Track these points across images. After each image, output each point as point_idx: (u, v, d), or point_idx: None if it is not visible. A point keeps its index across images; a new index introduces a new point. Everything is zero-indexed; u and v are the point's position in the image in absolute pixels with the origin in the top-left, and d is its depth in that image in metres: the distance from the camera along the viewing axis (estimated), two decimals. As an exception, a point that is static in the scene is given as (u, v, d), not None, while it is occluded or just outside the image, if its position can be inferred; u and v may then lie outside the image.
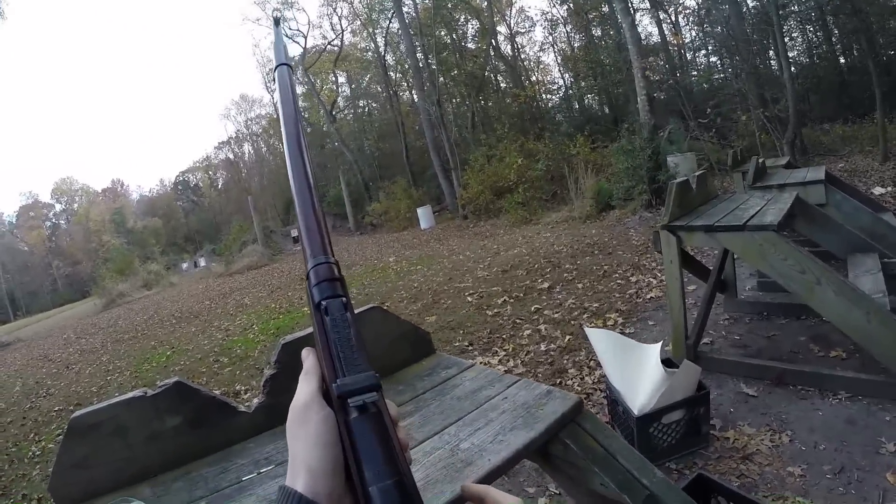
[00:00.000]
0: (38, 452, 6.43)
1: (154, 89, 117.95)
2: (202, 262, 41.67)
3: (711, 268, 4.67)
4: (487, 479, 1.11)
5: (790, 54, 18.93)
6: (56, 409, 8.36)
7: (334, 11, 34.48)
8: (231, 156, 61.81)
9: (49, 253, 72.05)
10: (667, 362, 3.18)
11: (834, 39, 21.71)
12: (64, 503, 1.25)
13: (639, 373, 3.04)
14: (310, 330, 1.57)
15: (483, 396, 1.46)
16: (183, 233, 64.02)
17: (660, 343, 3.12)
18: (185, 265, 45.11)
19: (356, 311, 1.65)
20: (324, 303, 0.55)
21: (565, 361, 4.70)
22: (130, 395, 1.35)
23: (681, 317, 3.83)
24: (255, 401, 1.53)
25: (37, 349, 19.37)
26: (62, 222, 75.93)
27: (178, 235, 63.27)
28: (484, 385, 1.53)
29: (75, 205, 75.45)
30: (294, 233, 35.84)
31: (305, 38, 35.60)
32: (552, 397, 1.37)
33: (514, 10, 31.48)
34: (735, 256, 4.72)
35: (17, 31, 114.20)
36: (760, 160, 6.19)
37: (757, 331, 4.52)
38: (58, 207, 76.52)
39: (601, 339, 3.30)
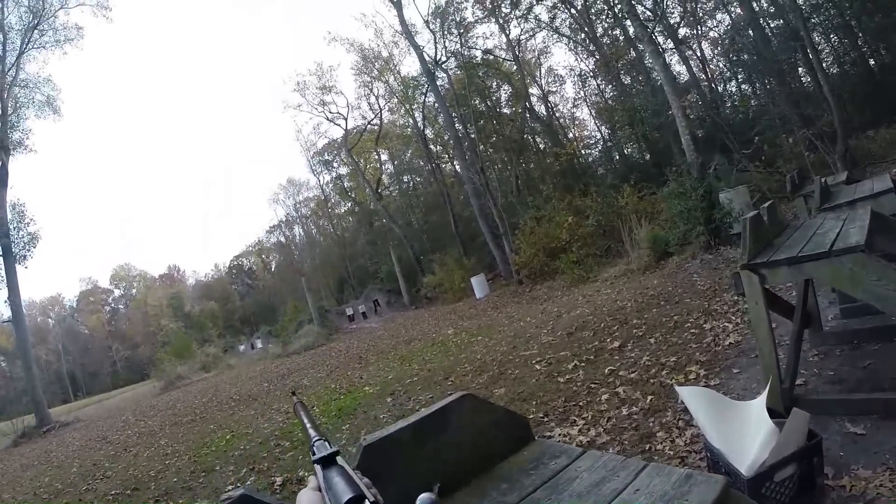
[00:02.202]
0: None
1: (206, 175, 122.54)
2: (259, 344, 42.07)
3: (794, 303, 4.42)
4: None
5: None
6: (112, 492, 8.26)
7: (371, 92, 35.40)
8: (282, 239, 62.99)
9: (109, 336, 74.72)
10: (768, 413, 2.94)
11: (860, 42, 21.48)
12: None
13: (742, 428, 2.81)
14: (388, 431, 1.49)
15: (609, 491, 1.25)
16: (239, 315, 65.10)
17: (764, 395, 2.90)
18: (241, 347, 45.47)
19: (443, 402, 1.59)
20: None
21: (651, 424, 4.42)
22: None
23: (773, 361, 3.56)
24: None
25: (95, 430, 19.56)
26: (121, 307, 78.81)
27: (234, 318, 64.33)
28: (606, 476, 1.32)
29: (133, 290, 78.61)
30: (349, 311, 36.06)
31: (346, 119, 36.49)
32: (694, 482, 1.17)
33: (543, 70, 31.96)
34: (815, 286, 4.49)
35: (78, 122, 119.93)
36: (823, 180, 5.96)
37: (851, 362, 4.25)
38: (116, 293, 79.79)
39: (694, 397, 3.09)
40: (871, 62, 21.31)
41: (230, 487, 6.42)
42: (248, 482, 6.69)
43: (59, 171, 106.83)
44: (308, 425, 1.07)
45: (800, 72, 20.39)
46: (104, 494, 8.29)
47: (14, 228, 27.44)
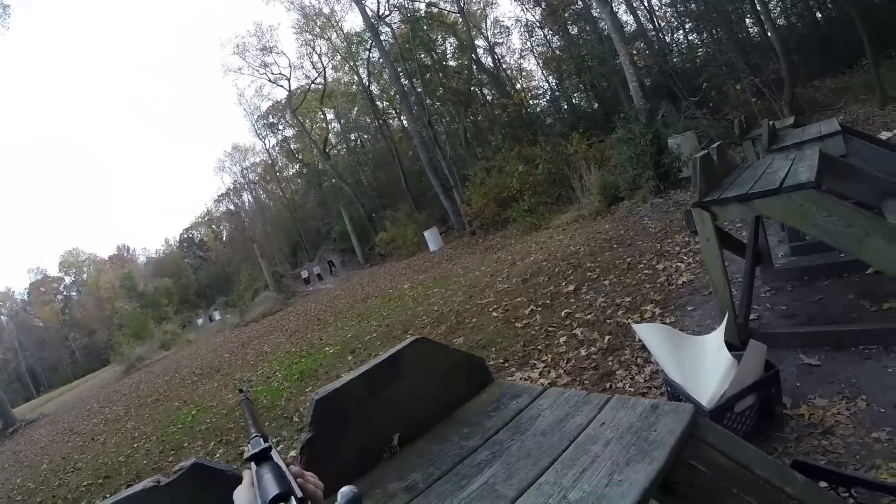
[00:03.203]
0: None
1: (146, 151, 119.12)
2: (217, 316, 41.89)
3: (745, 242, 4.49)
4: None
5: (769, 17, 18.88)
6: (85, 483, 8.25)
7: (314, 50, 34.71)
8: (231, 207, 62.14)
9: (64, 326, 73.24)
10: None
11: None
12: None
13: (700, 362, 2.85)
14: (341, 381, 1.45)
15: (573, 427, 1.22)
16: (194, 289, 64.30)
17: (721, 328, 2.94)
18: (200, 321, 45.35)
19: (395, 349, 1.54)
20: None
21: (610, 363, 4.49)
22: (141, 485, 1.14)
23: (727, 296, 3.64)
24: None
25: (62, 423, 19.52)
26: (73, 294, 77.23)
27: (190, 292, 63.53)
28: (569, 412, 1.29)
29: (84, 275, 76.86)
30: (304, 273, 35.90)
31: (289, 80, 35.79)
32: (661, 412, 1.14)
33: (489, 22, 31.70)
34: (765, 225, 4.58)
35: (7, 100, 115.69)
36: (771, 122, 6.03)
37: (802, 297, 4.35)
38: (67, 280, 77.88)
39: (652, 334, 3.12)
40: (819, 15, 21.68)
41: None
42: (217, 455, 6.71)
43: None
44: (250, 422, 1.05)
45: (747, 22, 20.58)
46: (76, 487, 8.27)
47: None
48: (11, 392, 40.72)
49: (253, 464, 0.78)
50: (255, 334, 20.61)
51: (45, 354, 71.70)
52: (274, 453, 0.79)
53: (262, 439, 0.86)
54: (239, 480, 1.19)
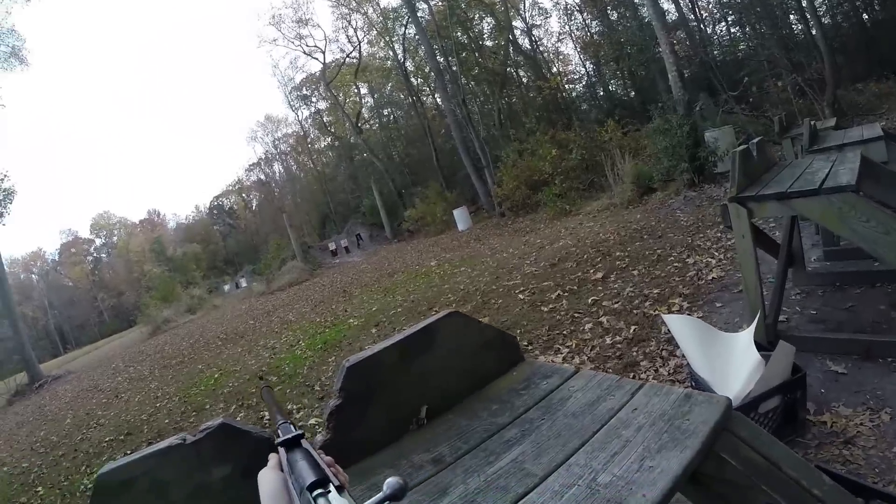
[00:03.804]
0: (89, 485, 6.37)
1: (181, 117, 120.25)
2: (243, 283, 42.14)
3: (779, 242, 4.46)
4: None
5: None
6: (107, 439, 8.41)
7: (349, 24, 34.63)
8: (262, 176, 62.40)
9: (93, 286, 74.37)
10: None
11: (856, -2, 21.09)
12: None
13: (728, 359, 2.86)
14: (371, 351, 1.45)
15: (605, 410, 1.22)
16: (222, 256, 64.83)
17: (752, 327, 2.95)
18: (226, 287, 45.60)
19: (429, 321, 1.55)
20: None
21: (635, 353, 4.50)
22: (167, 442, 1.15)
23: (758, 295, 3.58)
24: (318, 438, 1.34)
25: (87, 380, 19.86)
26: (103, 256, 78.23)
27: (218, 259, 64.07)
28: (601, 395, 1.30)
29: (115, 238, 77.84)
30: (332, 245, 36.05)
31: (324, 53, 35.81)
32: (695, 402, 1.14)
33: (527, 3, 31.37)
34: (799, 227, 4.54)
35: (44, 72, 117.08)
36: (813, 123, 5.97)
37: (833, 303, 4.29)
38: (98, 242, 78.98)
39: (682, 326, 3.13)
40: (865, 16, 21.11)
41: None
42: (238, 418, 6.80)
43: (30, 122, 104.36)
44: (274, 409, 1.06)
45: (792, 18, 20.10)
46: (98, 442, 8.41)
47: None
48: (39, 349, 41.50)
49: (282, 449, 0.80)
50: (280, 303, 20.72)
51: (73, 313, 73.03)
52: (304, 441, 0.80)
53: (291, 426, 0.89)
54: (266, 443, 1.23)
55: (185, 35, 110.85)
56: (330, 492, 0.60)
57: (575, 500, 0.95)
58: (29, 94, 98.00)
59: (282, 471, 0.78)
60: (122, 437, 8.19)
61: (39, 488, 7.13)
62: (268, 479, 0.78)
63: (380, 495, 0.59)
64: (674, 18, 24.29)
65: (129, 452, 6.92)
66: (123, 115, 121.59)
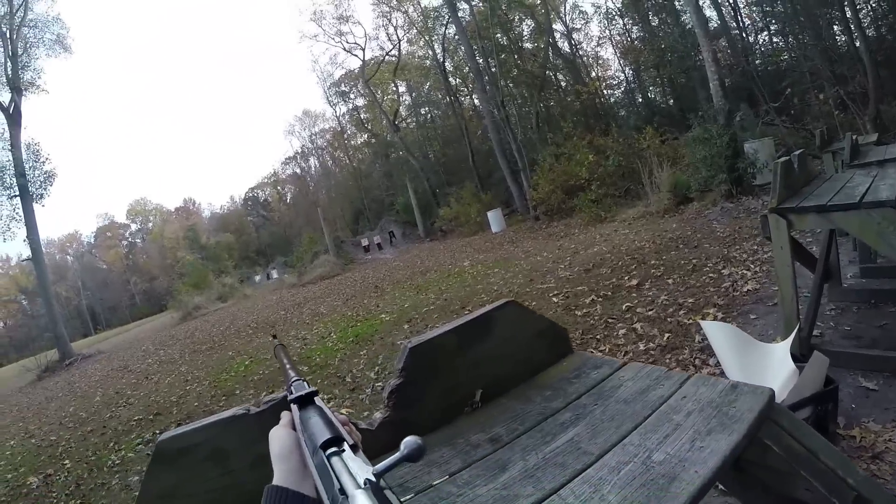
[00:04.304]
0: (117, 461, 6.55)
1: (221, 109, 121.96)
2: (274, 274, 42.49)
3: (816, 255, 4.48)
4: (698, 495, 0.95)
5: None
6: (136, 418, 8.54)
7: (389, 22, 34.90)
8: (298, 170, 63.05)
9: (127, 270, 76.63)
10: (786, 356, 3.03)
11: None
12: None
13: (763, 367, 2.91)
14: (432, 334, 1.55)
15: (656, 397, 1.29)
16: (254, 247, 65.46)
17: (790, 339, 3.01)
18: (257, 278, 46.02)
19: (487, 308, 1.64)
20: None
21: (668, 360, 4.56)
22: (231, 412, 1.20)
23: (793, 307, 3.62)
24: (378, 415, 1.40)
25: (117, 360, 20.10)
26: (138, 241, 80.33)
27: (250, 249, 64.70)
28: (651, 384, 1.37)
29: (150, 224, 79.77)
30: (364, 241, 36.22)
31: (363, 50, 36.08)
32: (741, 392, 1.21)
33: (567, 6, 31.32)
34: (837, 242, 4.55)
35: (89, 61, 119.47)
36: (854, 137, 5.97)
37: (867, 320, 4.29)
38: (133, 227, 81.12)
39: (718, 333, 3.20)
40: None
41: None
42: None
43: (72, 109, 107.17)
44: (287, 366, 1.08)
45: (835, 29, 19.75)
46: (127, 420, 8.58)
47: (30, 168, 27.75)
48: (70, 328, 42.26)
49: (295, 406, 0.79)
50: (311, 295, 20.79)
51: (106, 295, 75.06)
52: (318, 399, 0.80)
53: (305, 383, 0.89)
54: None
55: (228, 27, 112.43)
56: (344, 451, 0.60)
57: (631, 475, 1.02)
58: (73, 80, 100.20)
59: (294, 429, 0.78)
60: (150, 417, 8.35)
61: (67, 461, 7.28)
62: (278, 436, 0.77)
63: (396, 455, 0.57)
64: (716, 26, 23.99)
65: (157, 432, 7.09)
66: (164, 105, 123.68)
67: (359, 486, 0.50)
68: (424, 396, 1.44)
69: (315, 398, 0.79)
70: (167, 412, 8.38)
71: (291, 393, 0.83)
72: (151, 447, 5.15)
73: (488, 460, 1.23)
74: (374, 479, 0.51)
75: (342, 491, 0.51)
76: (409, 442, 0.58)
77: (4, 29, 27.20)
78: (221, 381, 9.50)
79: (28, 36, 28.46)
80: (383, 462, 0.55)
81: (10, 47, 27.37)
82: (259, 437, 1.12)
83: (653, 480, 0.99)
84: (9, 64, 27.31)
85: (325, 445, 0.61)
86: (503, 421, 1.40)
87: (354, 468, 0.54)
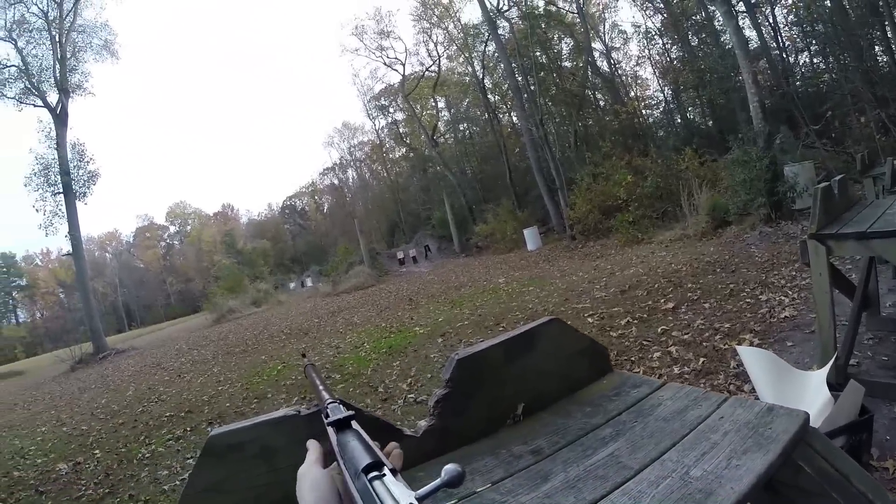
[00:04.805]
0: (147, 455, 6.68)
1: (262, 118, 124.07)
2: (309, 282, 42.74)
3: (855, 283, 4.44)
4: None
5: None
6: (167, 414, 8.70)
7: (430, 38, 35.24)
8: (336, 181, 63.57)
9: (163, 270, 78.73)
10: (820, 384, 3.02)
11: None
12: None
13: (799, 395, 2.90)
14: (479, 347, 1.58)
15: (694, 417, 1.33)
16: (290, 254, 65.97)
17: (827, 367, 3.02)
18: (292, 285, 46.27)
19: (532, 325, 1.68)
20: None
21: (702, 385, 4.53)
22: (281, 413, 1.24)
23: (830, 335, 3.60)
24: (423, 423, 1.44)
25: (150, 357, 20.43)
26: (176, 243, 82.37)
27: (286, 257, 65.23)
28: (689, 404, 1.40)
29: (188, 227, 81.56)
30: (400, 254, 36.38)
31: (403, 65, 36.51)
32: (776, 414, 1.26)
33: (607, 25, 31.35)
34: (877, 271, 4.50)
35: (136, 67, 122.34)
36: (895, 162, 5.93)
37: (906, 351, 4.23)
38: (172, 229, 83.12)
39: (754, 358, 3.19)
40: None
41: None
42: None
43: (117, 112, 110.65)
44: (320, 387, 1.08)
45: (877, 50, 19.41)
46: (158, 416, 8.75)
47: (74, 167, 28.77)
48: (105, 323, 43.04)
49: (333, 430, 0.79)
50: (345, 305, 20.90)
51: (142, 293, 77.03)
52: (355, 422, 0.79)
53: (341, 406, 0.89)
54: (376, 423, 1.32)
55: (273, 38, 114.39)
56: (385, 475, 0.59)
57: (669, 489, 1.07)
58: (119, 85, 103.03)
59: (323, 464, 0.80)
60: (181, 415, 8.48)
61: (97, 451, 7.45)
62: (310, 476, 0.78)
63: (438, 481, 0.58)
64: (756, 46, 23.63)
65: (188, 430, 7.38)
66: (206, 112, 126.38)
67: None
68: (469, 407, 1.48)
69: (352, 422, 0.79)
70: (198, 410, 8.54)
71: (328, 416, 0.83)
72: (182, 443, 5.37)
73: (530, 471, 1.27)
74: (416, 503, 0.52)
75: None
76: (449, 469, 0.58)
77: (54, 33, 28.22)
78: (253, 384, 9.62)
79: (76, 40, 29.58)
80: (425, 488, 0.55)
81: (59, 51, 28.40)
82: (306, 439, 1.15)
83: (690, 495, 1.04)
84: (57, 66, 28.32)
85: (367, 469, 0.60)
86: (545, 434, 1.43)
87: (396, 492, 0.54)
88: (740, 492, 1.02)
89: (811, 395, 2.88)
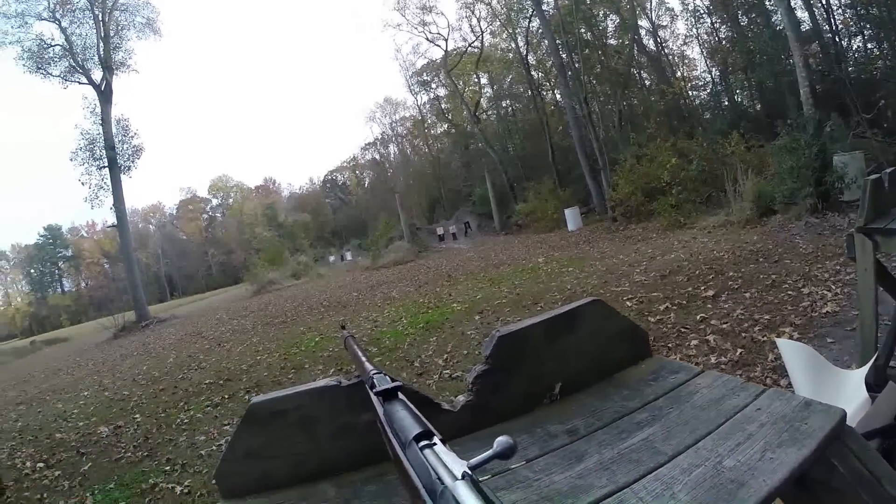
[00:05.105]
0: (185, 420, 6.92)
1: (304, 93, 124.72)
2: (348, 256, 43.39)
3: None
4: (764, 503, 0.97)
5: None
6: (207, 381, 8.96)
7: (473, 14, 34.95)
8: (377, 156, 63.80)
9: (205, 242, 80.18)
10: (858, 383, 3.02)
11: None
12: (231, 492, 1.20)
13: (836, 394, 2.90)
14: (521, 325, 1.56)
15: (730, 406, 1.29)
16: (330, 228, 66.85)
17: (867, 366, 3.02)
18: (332, 258, 46.95)
19: (574, 305, 1.63)
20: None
21: (739, 376, 4.45)
22: (322, 383, 1.26)
23: (872, 334, 3.51)
24: (461, 398, 1.43)
25: (191, 326, 20.99)
26: (218, 215, 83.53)
27: (326, 230, 66.07)
28: (726, 393, 1.36)
29: (230, 200, 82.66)
30: (440, 230, 36.46)
31: (446, 40, 36.37)
32: (814, 410, 1.22)
33: (654, 2, 30.58)
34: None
35: (180, 44, 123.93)
36: (951, 154, 5.77)
37: (949, 353, 4.23)
38: (214, 202, 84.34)
39: (794, 352, 3.17)
40: None
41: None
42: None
43: (162, 88, 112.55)
44: (363, 358, 1.10)
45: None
46: (198, 383, 9.03)
47: (119, 142, 29.68)
48: (148, 292, 44.11)
49: (378, 399, 0.81)
50: (384, 279, 21.05)
51: (184, 264, 78.77)
52: (401, 393, 0.81)
53: (386, 377, 0.90)
54: (416, 395, 1.28)
55: (316, 11, 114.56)
56: (436, 444, 0.59)
57: (702, 477, 1.06)
58: (163, 62, 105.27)
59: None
60: (221, 382, 8.74)
61: (137, 415, 7.73)
62: None
63: (489, 452, 0.57)
64: (807, 28, 22.90)
65: (226, 397, 7.65)
66: (249, 87, 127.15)
67: (457, 478, 0.51)
68: (508, 384, 1.48)
69: (399, 392, 0.80)
70: (237, 378, 8.79)
71: (373, 386, 0.85)
72: (220, 410, 5.60)
73: (565, 450, 1.27)
74: (469, 471, 0.52)
75: (441, 482, 0.52)
76: (501, 441, 0.58)
77: (97, 11, 28.97)
78: (291, 354, 9.84)
79: (119, 19, 30.26)
80: (477, 458, 0.56)
81: (102, 29, 29.11)
82: (346, 409, 1.23)
83: (722, 485, 1.03)
84: (101, 44, 29.06)
85: (417, 438, 0.61)
86: (581, 415, 1.42)
87: (449, 461, 0.55)
88: (772, 485, 1.01)
89: (848, 394, 2.85)
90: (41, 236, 77.78)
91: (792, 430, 1.16)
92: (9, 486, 5.64)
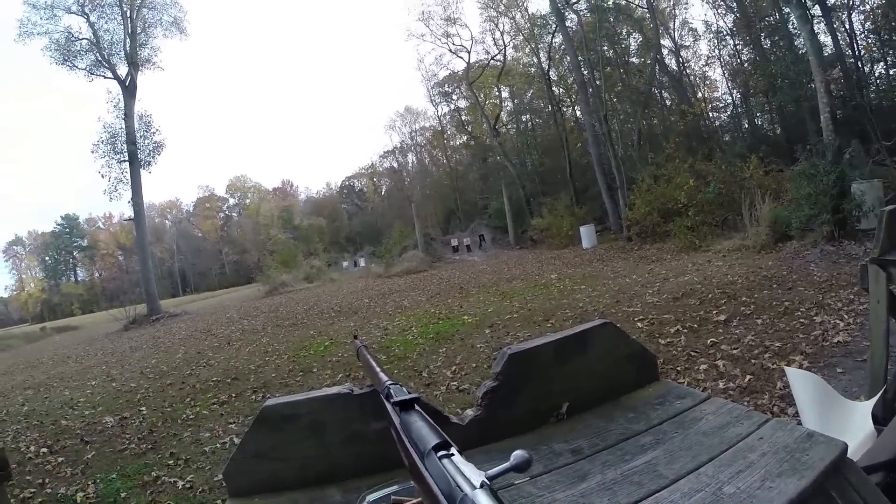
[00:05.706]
0: (191, 416, 6.96)
1: (325, 99, 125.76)
2: (362, 263, 43.36)
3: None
4: None
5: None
6: (214, 379, 8.99)
7: (496, 27, 35.22)
8: (395, 164, 64.06)
9: (220, 240, 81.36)
10: (864, 416, 3.02)
11: None
12: (238, 491, 1.22)
13: (843, 426, 2.90)
14: (531, 344, 1.61)
15: (733, 434, 1.31)
16: (345, 233, 67.10)
17: (875, 399, 3.01)
18: (345, 264, 47.20)
19: (585, 326, 1.68)
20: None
21: (746, 403, 4.52)
22: (335, 390, 1.30)
23: (882, 366, 3.44)
24: (469, 412, 1.47)
25: (201, 323, 21.00)
26: (234, 215, 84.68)
27: (340, 235, 66.34)
28: (730, 421, 1.39)
29: (247, 200, 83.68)
30: (454, 242, 36.50)
31: (469, 53, 36.56)
32: (815, 441, 1.22)
33: (677, 22, 30.63)
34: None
35: (205, 44, 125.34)
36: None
37: (961, 388, 4.20)
38: (231, 201, 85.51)
39: (802, 382, 3.17)
40: None
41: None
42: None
43: (185, 86, 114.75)
44: (377, 369, 1.11)
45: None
46: (206, 380, 9.08)
47: (140, 137, 29.95)
48: (161, 287, 44.51)
49: (394, 409, 0.82)
50: (396, 287, 21.04)
51: (198, 261, 79.94)
52: (418, 405, 0.81)
53: (403, 388, 0.90)
54: (426, 407, 1.22)
55: (340, 19, 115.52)
56: (454, 454, 0.60)
57: (701, 502, 1.07)
58: (188, 61, 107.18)
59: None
60: (228, 381, 8.76)
61: (143, 408, 7.78)
62: None
63: (507, 464, 0.58)
64: (830, 53, 22.84)
65: (233, 396, 7.69)
66: (271, 90, 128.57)
67: (475, 487, 0.52)
68: (516, 401, 1.50)
69: (415, 403, 0.81)
70: (244, 378, 8.81)
71: (389, 396, 0.87)
72: (226, 408, 5.69)
73: (569, 469, 1.29)
74: (488, 481, 0.53)
75: (460, 490, 0.53)
76: (518, 454, 0.59)
77: (125, 8, 29.34)
78: (300, 357, 9.86)
79: (147, 16, 30.69)
80: (495, 469, 0.57)
81: (129, 25, 29.53)
82: (357, 417, 1.27)
83: None
84: (128, 41, 29.46)
85: (436, 448, 0.62)
86: (586, 435, 1.45)
87: (467, 471, 0.55)
88: (770, 514, 1.09)
89: (855, 426, 2.84)
90: (58, 225, 79.53)
91: (793, 461, 1.17)
92: (12, 470, 5.69)
